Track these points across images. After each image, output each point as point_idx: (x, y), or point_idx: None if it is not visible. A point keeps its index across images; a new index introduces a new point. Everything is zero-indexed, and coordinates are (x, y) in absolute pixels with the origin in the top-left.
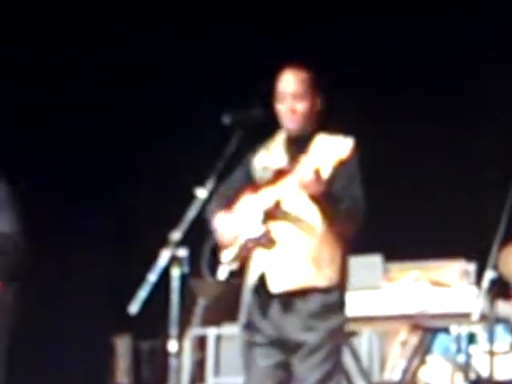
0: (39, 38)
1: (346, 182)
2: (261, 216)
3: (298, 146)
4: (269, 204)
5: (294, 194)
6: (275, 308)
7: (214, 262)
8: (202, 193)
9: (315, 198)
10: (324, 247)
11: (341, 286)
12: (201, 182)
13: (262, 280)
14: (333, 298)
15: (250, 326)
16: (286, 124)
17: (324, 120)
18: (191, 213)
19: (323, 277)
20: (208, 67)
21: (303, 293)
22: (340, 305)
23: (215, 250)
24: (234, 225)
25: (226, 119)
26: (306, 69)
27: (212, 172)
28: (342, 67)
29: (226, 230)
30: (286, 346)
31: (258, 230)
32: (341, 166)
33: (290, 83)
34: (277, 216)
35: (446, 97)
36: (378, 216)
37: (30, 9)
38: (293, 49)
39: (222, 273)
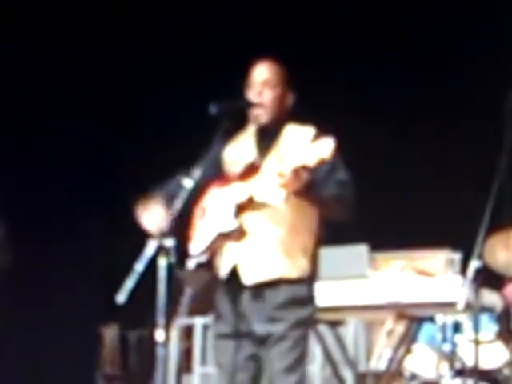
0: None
1: (328, 169)
2: (233, 210)
3: (267, 138)
4: (241, 198)
5: (268, 189)
6: (245, 300)
7: (183, 254)
8: (188, 182)
9: (297, 193)
10: (296, 238)
11: (311, 278)
12: (187, 172)
13: (233, 272)
14: (302, 290)
15: (221, 319)
16: (253, 112)
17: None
18: (178, 202)
19: (295, 267)
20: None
21: (274, 283)
22: (309, 297)
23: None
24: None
25: (213, 109)
26: (279, 63)
27: (198, 162)
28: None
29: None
30: (255, 339)
31: (230, 224)
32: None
33: (261, 71)
34: (249, 210)
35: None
36: (364, 206)
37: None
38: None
39: (190, 264)
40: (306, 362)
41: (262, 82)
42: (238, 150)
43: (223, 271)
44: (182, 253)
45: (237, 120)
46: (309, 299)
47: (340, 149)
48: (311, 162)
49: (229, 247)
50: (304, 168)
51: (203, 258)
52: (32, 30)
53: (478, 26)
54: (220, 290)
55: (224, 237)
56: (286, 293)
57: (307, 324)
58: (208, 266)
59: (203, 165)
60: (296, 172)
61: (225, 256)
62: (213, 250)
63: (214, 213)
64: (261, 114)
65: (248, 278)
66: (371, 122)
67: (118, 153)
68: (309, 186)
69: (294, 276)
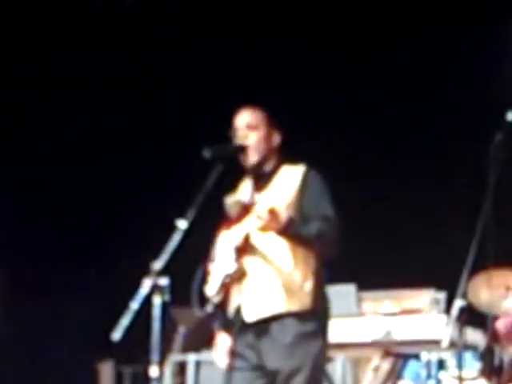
0: None
1: (312, 204)
2: (233, 252)
3: (262, 179)
4: (238, 240)
5: (258, 230)
6: (254, 336)
7: (202, 296)
8: (182, 224)
9: (280, 233)
10: (294, 274)
11: (318, 311)
12: (182, 214)
13: (238, 311)
14: (309, 325)
15: (232, 353)
16: (242, 155)
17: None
18: (172, 243)
19: (295, 301)
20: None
21: (278, 318)
22: (318, 331)
23: (202, 285)
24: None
25: (207, 153)
26: (260, 108)
27: (192, 204)
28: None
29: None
30: (266, 372)
31: (231, 267)
32: (301, 192)
33: (242, 117)
34: (247, 250)
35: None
36: (351, 247)
37: None
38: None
39: (209, 306)
40: None
41: (245, 125)
42: (239, 194)
43: (230, 311)
44: (175, 291)
45: (229, 163)
46: (317, 333)
47: (329, 182)
48: (288, 191)
49: (235, 288)
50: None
51: (218, 299)
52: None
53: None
54: (232, 329)
55: (228, 278)
56: (292, 328)
57: (318, 358)
58: (222, 306)
59: (196, 206)
60: (272, 213)
61: (232, 297)
62: (225, 292)
63: (222, 256)
64: (249, 156)
65: (250, 316)
66: (359, 161)
67: (107, 185)
68: (288, 226)
69: (296, 309)
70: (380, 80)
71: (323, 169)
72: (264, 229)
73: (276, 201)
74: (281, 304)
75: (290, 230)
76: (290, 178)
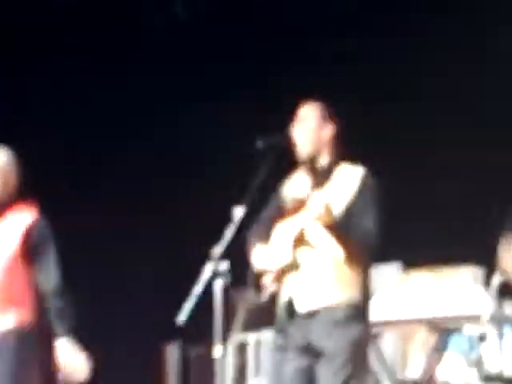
0: None
1: (358, 212)
2: (290, 244)
3: (318, 176)
4: (295, 232)
5: (313, 223)
6: (302, 319)
7: (258, 284)
8: (238, 211)
9: (328, 228)
10: (346, 268)
11: (364, 301)
12: (238, 201)
13: (290, 301)
14: (354, 311)
15: (281, 332)
16: (299, 149)
17: (344, 152)
18: (230, 229)
19: (346, 295)
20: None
21: (329, 307)
22: (361, 316)
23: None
24: (268, 256)
25: (260, 144)
26: (321, 100)
27: (248, 192)
28: None
29: (261, 261)
30: (311, 352)
31: (286, 257)
32: (356, 197)
33: (303, 110)
34: (302, 243)
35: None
36: (396, 224)
37: None
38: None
39: (265, 295)
40: (362, 380)
41: (298, 116)
42: (294, 186)
43: (282, 299)
44: (235, 275)
45: (282, 153)
46: (360, 317)
47: (378, 183)
48: (344, 193)
49: (288, 278)
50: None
51: (274, 288)
52: None
53: None
54: (280, 315)
55: (283, 269)
56: (338, 313)
57: (360, 342)
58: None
59: (251, 195)
60: (326, 208)
61: (284, 286)
62: (279, 281)
63: (278, 246)
64: (299, 148)
65: (301, 307)
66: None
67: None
68: (336, 227)
69: (345, 301)
70: None
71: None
72: (318, 220)
73: (332, 199)
74: (332, 296)
75: (337, 230)
76: (348, 178)
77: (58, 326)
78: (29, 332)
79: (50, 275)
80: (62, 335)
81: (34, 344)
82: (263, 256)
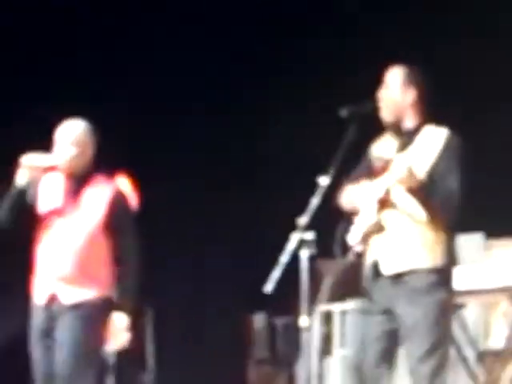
0: None
1: (442, 174)
2: (374, 205)
3: (404, 136)
4: (379, 194)
5: (396, 186)
6: (387, 282)
7: (344, 245)
8: (324, 180)
9: (411, 191)
10: (430, 231)
11: (447, 266)
12: (323, 171)
13: (375, 263)
14: (437, 277)
15: (367, 296)
16: (383, 113)
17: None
18: (316, 199)
19: (430, 259)
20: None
21: (412, 271)
22: (444, 283)
23: (344, 235)
24: (360, 194)
25: (343, 112)
26: (407, 65)
27: (332, 161)
28: None
29: (353, 199)
30: (395, 317)
31: (372, 218)
32: (440, 158)
33: (387, 75)
34: (387, 204)
35: None
36: (479, 195)
37: None
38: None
39: (351, 254)
40: (445, 345)
41: (384, 83)
42: (382, 148)
43: (367, 261)
44: (321, 245)
45: (367, 121)
46: (444, 285)
47: (461, 144)
48: (428, 155)
49: (373, 240)
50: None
51: (359, 249)
52: None
53: None
54: (365, 277)
55: (368, 230)
56: (422, 279)
57: (444, 308)
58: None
59: (337, 164)
60: (409, 171)
61: (369, 248)
62: (365, 242)
63: (363, 207)
64: (383, 114)
65: (386, 269)
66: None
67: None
68: (420, 189)
69: (430, 265)
70: None
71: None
72: (401, 183)
73: (415, 161)
74: (417, 261)
75: (421, 192)
76: (432, 139)
77: (123, 298)
78: (104, 301)
79: (128, 248)
80: (124, 308)
81: (104, 313)
82: (352, 194)
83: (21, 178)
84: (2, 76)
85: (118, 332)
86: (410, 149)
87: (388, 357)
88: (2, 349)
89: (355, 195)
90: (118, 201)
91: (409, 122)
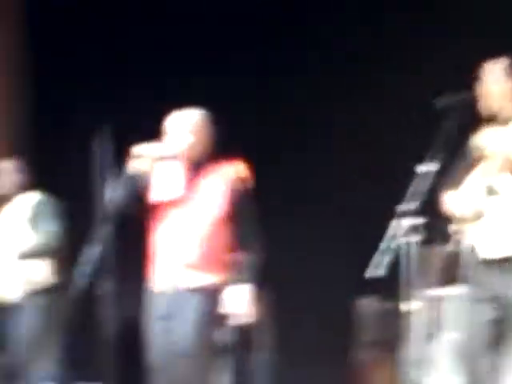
0: None
1: None
2: (476, 193)
3: (500, 127)
4: (482, 182)
5: (498, 174)
6: (492, 268)
7: (443, 233)
8: (422, 169)
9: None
10: None
11: None
12: (421, 160)
13: (475, 249)
14: None
15: (474, 283)
16: (483, 105)
17: None
18: (423, 186)
19: None
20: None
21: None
22: None
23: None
24: (459, 200)
25: (439, 103)
26: (506, 58)
27: (431, 151)
28: None
29: (453, 205)
30: (500, 304)
31: (474, 206)
32: None
33: (486, 67)
34: (489, 192)
35: None
36: None
37: None
38: None
39: (452, 242)
40: None
41: (483, 75)
42: (484, 137)
43: (466, 248)
44: (427, 231)
45: (465, 112)
46: None
47: None
48: None
49: (474, 226)
50: None
51: (460, 236)
52: None
53: None
54: (469, 262)
55: (470, 217)
56: None
57: None
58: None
59: (439, 151)
60: (508, 160)
61: (470, 234)
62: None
63: (466, 194)
64: (484, 104)
65: (486, 255)
66: None
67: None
68: None
69: None
70: None
71: None
72: (502, 170)
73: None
74: None
75: None
76: None
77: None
78: (220, 287)
79: (249, 234)
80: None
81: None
82: (455, 200)
83: (133, 168)
84: None
85: (244, 305)
86: (508, 137)
87: (496, 345)
88: (120, 333)
89: (459, 202)
90: (238, 188)
91: (506, 111)
